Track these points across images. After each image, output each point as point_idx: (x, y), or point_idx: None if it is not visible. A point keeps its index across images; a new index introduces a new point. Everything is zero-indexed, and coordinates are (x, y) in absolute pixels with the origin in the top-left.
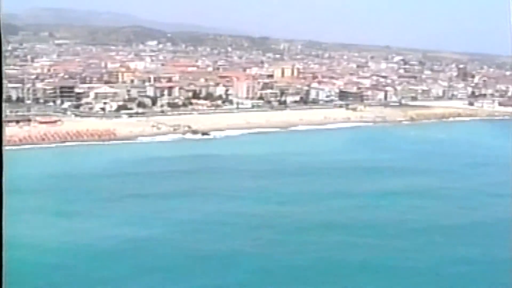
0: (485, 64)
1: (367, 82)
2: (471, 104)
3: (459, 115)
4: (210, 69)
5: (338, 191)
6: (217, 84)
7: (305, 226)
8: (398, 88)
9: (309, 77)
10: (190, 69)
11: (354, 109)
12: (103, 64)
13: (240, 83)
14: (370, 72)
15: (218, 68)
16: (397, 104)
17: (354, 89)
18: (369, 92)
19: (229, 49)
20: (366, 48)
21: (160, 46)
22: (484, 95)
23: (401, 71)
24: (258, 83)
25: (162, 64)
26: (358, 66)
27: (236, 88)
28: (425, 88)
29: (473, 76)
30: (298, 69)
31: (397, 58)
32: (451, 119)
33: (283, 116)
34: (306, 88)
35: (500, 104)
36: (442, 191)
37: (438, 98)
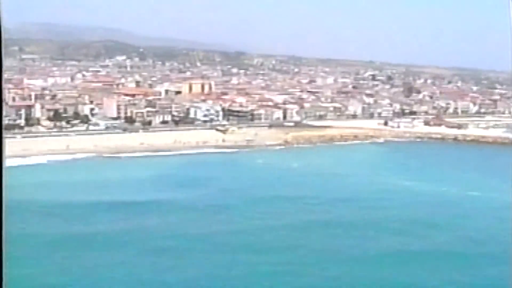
0: (464, 80)
1: (280, 99)
2: (385, 124)
3: (355, 137)
4: (132, 85)
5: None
6: (91, 102)
7: None
8: (307, 105)
9: (217, 93)
10: (93, 85)
11: (224, 131)
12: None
13: (110, 101)
14: (313, 87)
15: (143, 85)
16: (292, 124)
17: (249, 107)
18: (262, 111)
19: (198, 64)
20: (348, 63)
21: (128, 61)
22: (414, 112)
23: (350, 86)
24: (141, 100)
25: (84, 81)
26: (310, 81)
27: (105, 107)
28: (337, 105)
29: (418, 92)
30: (209, 84)
31: (367, 74)
32: (342, 142)
33: (123, 139)
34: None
35: (426, 123)
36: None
37: (354, 116)
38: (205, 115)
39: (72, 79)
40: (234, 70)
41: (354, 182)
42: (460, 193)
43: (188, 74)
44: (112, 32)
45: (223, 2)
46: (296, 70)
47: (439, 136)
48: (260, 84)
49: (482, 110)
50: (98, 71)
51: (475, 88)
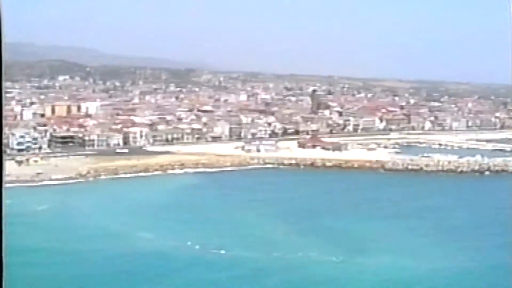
0: (417, 93)
1: (148, 120)
2: (243, 148)
3: (182, 165)
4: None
5: None
6: None
7: None
8: (160, 127)
9: (80, 115)
10: None
11: (21, 162)
12: None
13: None
14: (216, 106)
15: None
16: (126, 151)
17: (86, 132)
18: (94, 136)
19: (141, 82)
20: (304, 78)
21: (68, 81)
22: (297, 132)
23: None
24: None
25: None
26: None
27: None
28: (197, 127)
29: (327, 107)
30: (78, 106)
31: (311, 88)
32: (160, 171)
33: None
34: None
35: (300, 145)
36: None
37: (215, 138)
38: (19, 143)
39: None
40: (171, 88)
41: (61, 227)
42: (201, 250)
43: (111, 92)
44: (76, 51)
45: (191, 20)
46: (239, 86)
47: (293, 162)
48: (164, 103)
49: (393, 127)
50: (8, 93)
51: (412, 101)
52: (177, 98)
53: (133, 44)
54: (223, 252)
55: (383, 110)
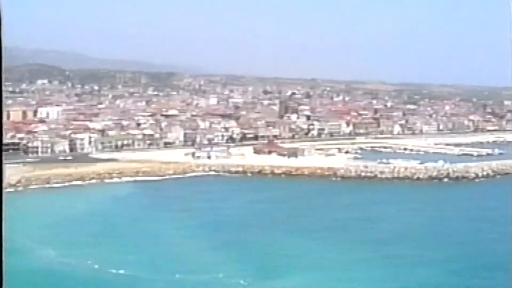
0: (398, 96)
1: (102, 125)
2: (193, 154)
3: (120, 173)
4: None
5: None
6: None
7: None
8: (112, 133)
9: (34, 120)
10: None
11: None
12: None
13: None
14: (183, 110)
15: None
16: (70, 158)
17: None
18: (38, 143)
19: (119, 86)
20: (288, 81)
21: (46, 85)
22: (256, 137)
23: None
24: None
25: None
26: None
27: None
28: (149, 132)
29: (295, 111)
30: (35, 111)
31: (290, 92)
32: (97, 180)
33: None
34: None
35: (256, 151)
36: None
37: (167, 144)
38: None
39: None
40: (149, 92)
41: None
42: (99, 269)
43: (83, 96)
44: (60, 54)
45: (177, 23)
46: (218, 90)
47: (240, 169)
48: (132, 107)
49: (362, 130)
50: None
51: (389, 104)
52: (147, 102)
53: (117, 48)
54: (121, 272)
55: (353, 114)
